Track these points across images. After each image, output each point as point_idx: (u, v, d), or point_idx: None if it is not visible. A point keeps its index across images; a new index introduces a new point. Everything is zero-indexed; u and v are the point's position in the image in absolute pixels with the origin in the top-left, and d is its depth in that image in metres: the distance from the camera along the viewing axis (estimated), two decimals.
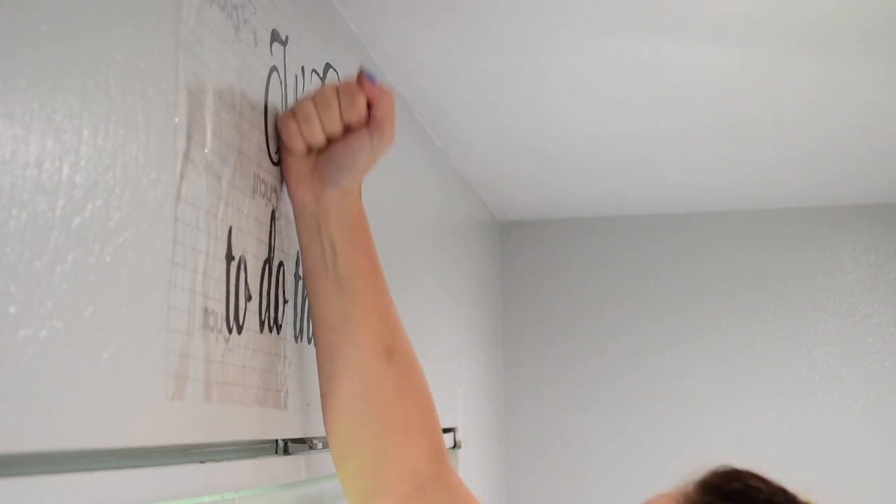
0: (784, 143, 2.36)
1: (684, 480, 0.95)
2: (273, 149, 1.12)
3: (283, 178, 1.15)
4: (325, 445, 1.25)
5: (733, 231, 3.12)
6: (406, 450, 1.14)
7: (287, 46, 1.19)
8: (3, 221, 0.64)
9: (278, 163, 1.14)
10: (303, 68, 1.26)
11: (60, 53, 0.71)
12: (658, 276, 3.14)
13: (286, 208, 1.16)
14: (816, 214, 3.08)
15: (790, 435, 2.99)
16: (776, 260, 3.09)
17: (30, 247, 0.67)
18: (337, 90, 1.09)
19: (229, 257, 0.99)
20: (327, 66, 1.38)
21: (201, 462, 0.93)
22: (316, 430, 1.24)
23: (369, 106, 1.10)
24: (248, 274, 1.04)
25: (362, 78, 1.09)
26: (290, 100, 1.19)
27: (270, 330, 1.10)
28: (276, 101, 1.14)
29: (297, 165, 1.12)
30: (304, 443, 1.20)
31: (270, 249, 1.11)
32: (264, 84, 1.11)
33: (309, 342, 1.24)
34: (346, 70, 1.44)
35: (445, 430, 1.99)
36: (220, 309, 0.96)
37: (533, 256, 3.21)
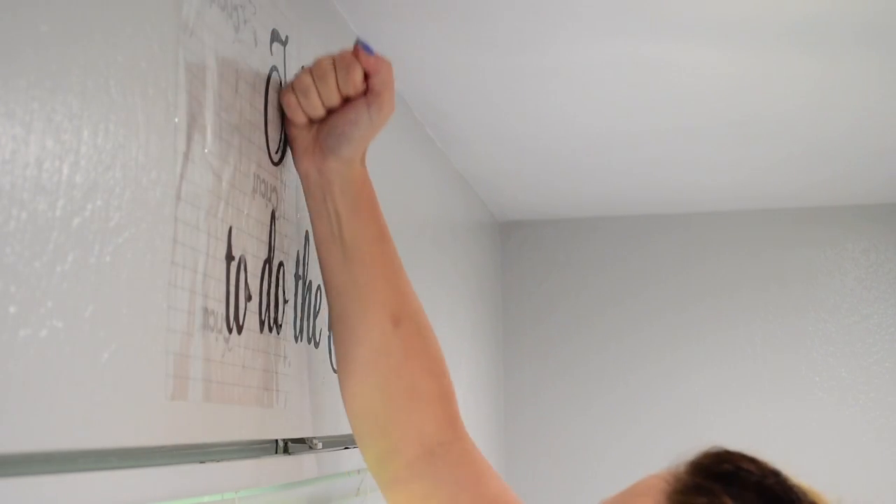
0: (784, 142, 2.36)
1: (675, 461, 0.94)
2: (273, 149, 1.12)
3: (282, 178, 1.15)
4: (325, 445, 1.26)
5: (733, 231, 3.12)
6: (413, 415, 1.15)
7: (287, 46, 1.19)
8: (3, 221, 0.64)
9: (278, 163, 1.14)
10: (303, 68, 1.26)
11: (60, 53, 0.71)
12: (658, 276, 3.14)
13: (286, 208, 1.16)
14: (816, 214, 3.08)
15: (790, 434, 2.99)
16: (776, 260, 3.09)
17: (30, 247, 0.67)
18: (333, 61, 1.11)
19: (229, 257, 0.99)
20: None
21: (201, 462, 0.93)
22: (316, 430, 1.24)
23: (367, 77, 1.11)
24: (248, 274, 1.04)
25: (358, 50, 1.10)
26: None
27: (270, 330, 1.10)
28: (275, 100, 1.14)
29: (300, 137, 1.14)
30: (304, 443, 1.20)
31: (270, 249, 1.11)
32: (264, 84, 1.11)
33: (309, 342, 1.24)
34: None
35: None
36: (220, 309, 0.96)
37: (533, 256, 3.21)
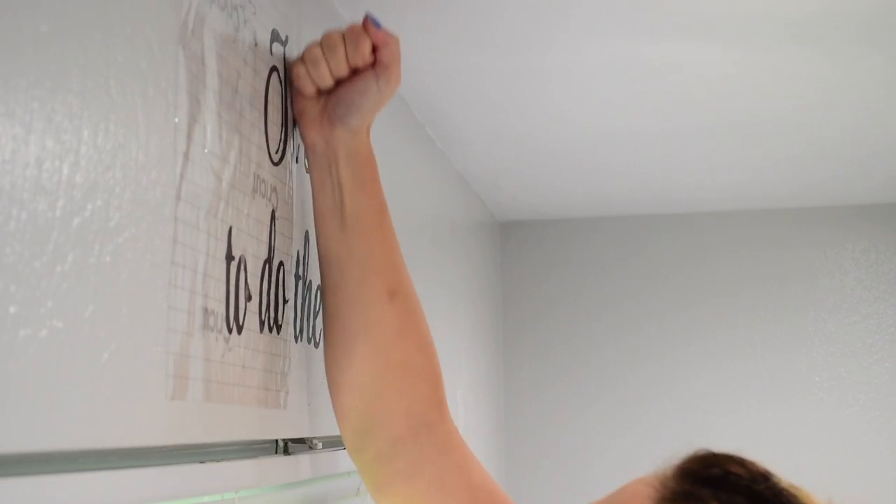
0: (784, 142, 2.36)
1: (663, 465, 0.91)
2: (273, 149, 1.12)
3: (282, 178, 1.15)
4: (325, 445, 1.25)
5: (733, 231, 3.12)
6: (404, 390, 1.14)
7: (287, 46, 1.19)
8: (3, 221, 0.64)
9: (278, 163, 1.14)
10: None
11: (60, 53, 0.71)
12: (658, 276, 3.14)
13: (286, 208, 1.16)
14: (816, 214, 3.08)
15: (790, 434, 2.99)
16: (776, 260, 3.09)
17: (30, 247, 0.67)
18: (343, 35, 1.13)
19: (229, 257, 0.99)
20: None
21: (201, 462, 0.93)
22: (316, 430, 1.24)
23: (375, 50, 1.13)
24: (248, 274, 1.04)
25: (367, 23, 1.13)
26: (291, 100, 1.19)
27: (270, 330, 1.10)
28: (276, 100, 1.14)
29: (308, 108, 1.16)
30: (304, 443, 1.20)
31: (270, 249, 1.11)
32: (264, 84, 1.11)
33: (309, 342, 1.24)
34: None
35: None
36: (220, 309, 0.96)
37: (533, 256, 3.21)
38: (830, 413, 3.01)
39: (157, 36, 0.86)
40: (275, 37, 1.15)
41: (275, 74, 1.14)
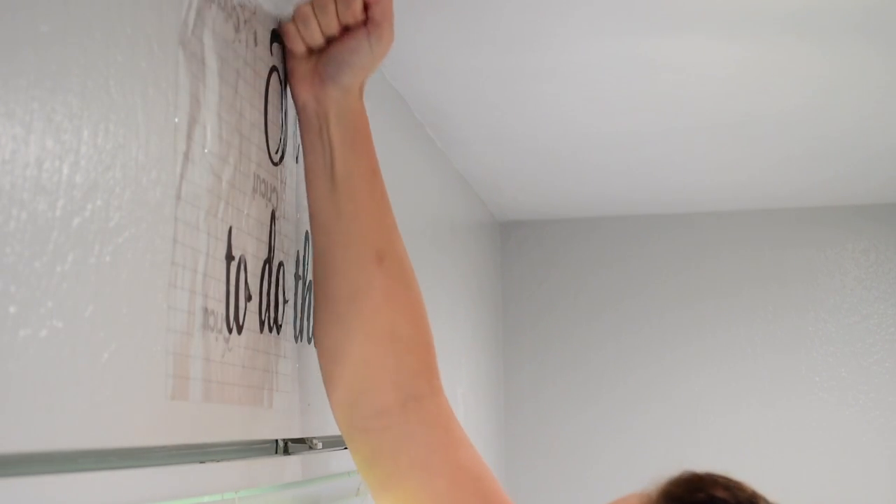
0: (784, 142, 2.36)
1: (647, 486, 0.90)
2: (273, 149, 1.12)
3: (282, 178, 1.15)
4: (326, 445, 1.25)
5: (733, 231, 3.12)
6: (389, 358, 1.11)
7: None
8: (3, 221, 0.64)
9: (278, 163, 1.14)
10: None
11: (60, 53, 0.71)
12: (658, 276, 3.14)
13: (286, 208, 1.16)
14: (816, 214, 3.08)
15: (790, 434, 2.99)
16: (776, 260, 3.09)
17: (30, 247, 0.67)
18: None
19: (229, 257, 0.99)
20: None
21: (201, 462, 0.93)
22: (316, 430, 1.24)
23: (367, 7, 1.12)
24: (248, 274, 1.04)
25: None
26: (291, 99, 1.19)
27: (270, 330, 1.10)
28: (276, 100, 1.14)
29: (299, 67, 1.15)
30: (304, 443, 1.20)
31: (270, 249, 1.11)
32: (264, 84, 1.11)
33: (309, 342, 1.24)
34: None
35: None
36: (220, 309, 0.96)
37: (533, 256, 3.21)
38: (830, 413, 3.01)
39: (157, 36, 0.86)
40: (275, 37, 1.15)
41: (275, 74, 1.14)
